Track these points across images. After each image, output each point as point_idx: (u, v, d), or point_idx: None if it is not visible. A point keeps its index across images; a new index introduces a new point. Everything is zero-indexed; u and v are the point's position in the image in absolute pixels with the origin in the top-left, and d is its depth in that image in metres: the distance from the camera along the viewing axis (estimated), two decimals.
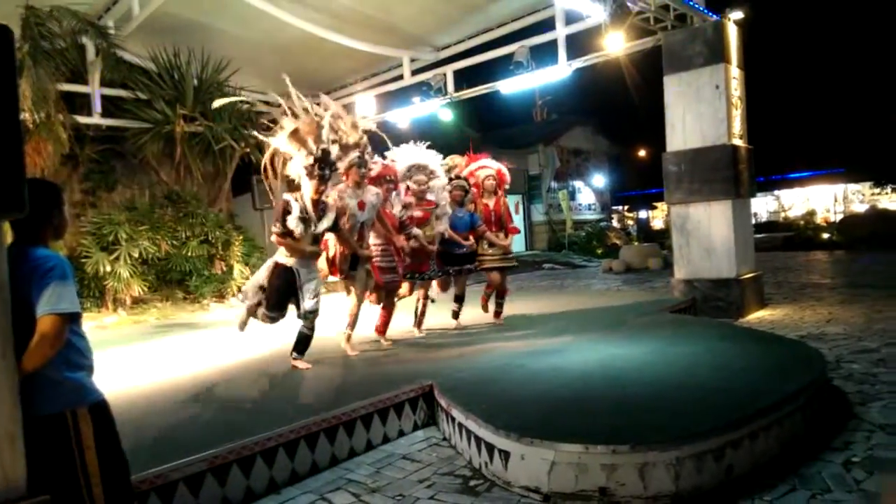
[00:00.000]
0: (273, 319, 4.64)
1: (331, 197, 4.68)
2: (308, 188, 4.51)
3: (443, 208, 5.60)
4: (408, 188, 5.48)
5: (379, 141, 5.33)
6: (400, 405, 3.81)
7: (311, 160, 4.49)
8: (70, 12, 7.80)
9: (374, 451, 3.57)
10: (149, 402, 4.01)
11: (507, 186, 6.29)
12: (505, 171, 6.23)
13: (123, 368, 5.13)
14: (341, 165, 4.72)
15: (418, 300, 5.79)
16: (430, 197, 5.55)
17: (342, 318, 5.18)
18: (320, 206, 4.54)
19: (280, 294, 4.55)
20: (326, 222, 4.53)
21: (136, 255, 9.15)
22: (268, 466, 3.10)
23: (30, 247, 1.96)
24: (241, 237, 10.66)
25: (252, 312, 4.70)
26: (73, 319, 1.93)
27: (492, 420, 3.08)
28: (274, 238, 4.51)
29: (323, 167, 4.49)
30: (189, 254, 9.75)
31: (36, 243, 1.99)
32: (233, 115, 10.67)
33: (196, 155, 10.40)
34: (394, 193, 5.31)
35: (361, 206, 4.81)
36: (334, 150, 4.61)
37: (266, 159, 4.75)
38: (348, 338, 5.06)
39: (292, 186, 4.68)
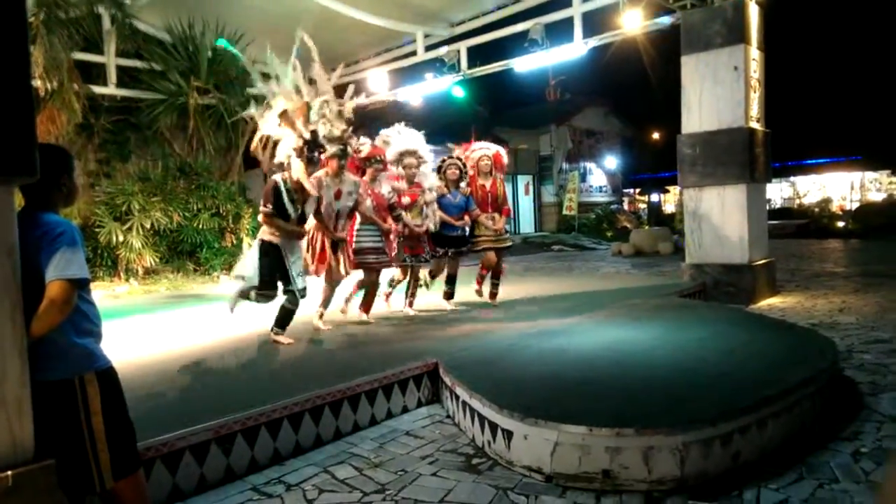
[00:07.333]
0: (267, 298, 4.61)
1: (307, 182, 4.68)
2: (297, 169, 4.56)
3: (429, 193, 5.59)
4: (398, 174, 5.52)
5: (368, 120, 5.34)
6: (404, 381, 3.83)
7: (300, 142, 4.54)
8: None
9: (378, 427, 3.59)
10: (157, 371, 4.05)
11: (504, 169, 6.24)
12: (503, 153, 6.20)
13: (134, 337, 5.18)
14: (325, 152, 4.73)
15: (411, 281, 5.81)
16: (419, 181, 5.58)
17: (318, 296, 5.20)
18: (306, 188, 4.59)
19: (270, 271, 4.54)
20: (314, 203, 4.62)
21: (149, 225, 9.21)
22: (272, 438, 3.12)
23: (40, 212, 1.95)
24: (251, 210, 10.68)
25: (245, 295, 4.64)
26: (81, 285, 1.93)
27: (496, 399, 3.08)
28: (261, 217, 4.55)
29: (311, 149, 4.55)
30: (200, 226, 9.80)
31: (46, 209, 1.98)
32: (245, 88, 10.61)
33: (209, 127, 10.41)
34: (382, 175, 5.33)
35: (338, 195, 4.86)
36: (322, 131, 4.62)
37: (256, 142, 4.77)
38: (321, 315, 5.15)
39: (282, 167, 4.69)
